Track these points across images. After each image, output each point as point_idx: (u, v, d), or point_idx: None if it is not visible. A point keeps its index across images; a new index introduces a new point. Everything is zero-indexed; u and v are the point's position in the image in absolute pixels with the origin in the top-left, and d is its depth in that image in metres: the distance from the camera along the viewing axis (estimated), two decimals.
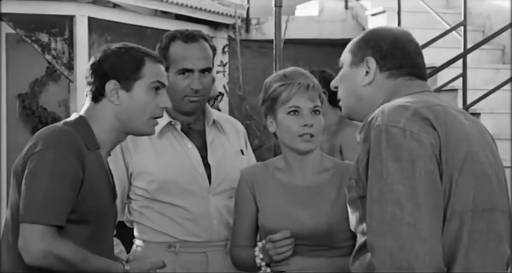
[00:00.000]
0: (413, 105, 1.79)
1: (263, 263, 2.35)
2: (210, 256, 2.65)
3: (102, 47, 2.29)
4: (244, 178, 2.49)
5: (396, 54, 1.94)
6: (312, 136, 2.38)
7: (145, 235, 2.68)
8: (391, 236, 1.69)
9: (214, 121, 2.76)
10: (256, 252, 2.36)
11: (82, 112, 2.26)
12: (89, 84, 2.24)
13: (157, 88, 2.24)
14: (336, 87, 2.06)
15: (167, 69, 2.64)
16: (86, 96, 2.27)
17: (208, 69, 2.68)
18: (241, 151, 2.81)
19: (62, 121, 2.24)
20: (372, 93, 1.95)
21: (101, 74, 2.21)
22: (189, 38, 2.67)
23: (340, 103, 2.05)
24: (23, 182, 2.09)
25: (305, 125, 2.37)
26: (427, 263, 1.67)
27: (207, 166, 2.70)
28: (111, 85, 2.20)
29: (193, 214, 2.63)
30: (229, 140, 2.78)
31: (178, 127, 2.69)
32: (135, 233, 2.74)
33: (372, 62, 1.95)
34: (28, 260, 2.06)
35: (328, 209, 2.35)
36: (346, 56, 2.02)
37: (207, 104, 2.79)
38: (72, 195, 2.10)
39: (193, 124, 2.74)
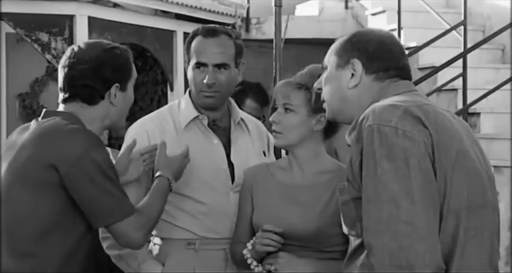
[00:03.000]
0: (403, 104, 1.80)
1: (248, 255, 2.37)
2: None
3: (87, 46, 2.26)
4: (246, 177, 2.52)
5: (383, 56, 1.95)
6: (278, 132, 2.39)
7: (165, 232, 2.68)
8: (389, 234, 1.69)
9: (241, 120, 2.79)
10: (245, 251, 2.39)
11: (68, 111, 2.25)
12: (84, 86, 2.23)
13: None
14: (319, 89, 2.07)
15: (188, 63, 2.71)
16: (69, 97, 2.25)
17: (224, 65, 2.67)
18: (264, 152, 2.83)
19: (64, 123, 2.20)
20: (358, 95, 1.95)
21: (102, 78, 2.22)
22: (209, 32, 2.69)
23: (324, 105, 2.05)
24: (80, 188, 2.13)
25: (272, 121, 2.40)
26: (426, 261, 1.67)
27: (229, 164, 2.71)
28: (115, 89, 2.25)
29: (214, 209, 2.64)
30: (252, 140, 2.80)
31: (205, 122, 2.71)
32: (153, 231, 2.73)
33: (358, 64, 1.95)
34: (138, 248, 2.30)
35: (318, 211, 2.34)
36: (331, 58, 2.02)
37: (232, 102, 2.81)
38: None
39: (218, 121, 2.76)
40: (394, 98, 1.86)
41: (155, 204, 2.32)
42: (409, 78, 1.99)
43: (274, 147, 2.87)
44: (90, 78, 2.22)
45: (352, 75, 1.96)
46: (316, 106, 2.33)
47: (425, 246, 1.68)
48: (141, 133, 2.58)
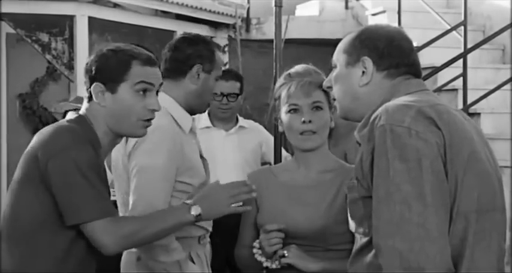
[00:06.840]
0: (416, 104, 1.78)
1: (263, 259, 2.36)
2: None
3: (99, 48, 2.33)
4: (249, 181, 2.50)
5: (393, 53, 1.93)
6: (313, 132, 2.37)
7: (185, 231, 2.66)
8: (400, 236, 1.67)
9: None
10: (255, 250, 2.38)
11: (81, 112, 2.28)
12: (84, 85, 2.28)
13: (145, 91, 2.25)
14: (329, 87, 2.06)
15: (209, 72, 2.72)
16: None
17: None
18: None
19: (66, 119, 2.26)
20: (369, 93, 1.93)
21: (89, 76, 2.25)
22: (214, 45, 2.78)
23: (335, 103, 2.04)
24: (55, 185, 2.12)
25: (303, 122, 2.36)
26: (437, 264, 1.66)
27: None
28: (96, 88, 2.23)
29: None
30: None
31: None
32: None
33: (368, 62, 1.93)
34: (109, 253, 2.16)
35: (323, 210, 2.34)
36: (340, 56, 2.00)
37: None
38: (105, 183, 2.20)
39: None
40: (406, 97, 1.84)
41: (150, 223, 2.22)
42: (418, 74, 1.97)
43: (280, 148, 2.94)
44: (84, 76, 2.28)
45: (363, 72, 1.93)
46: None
47: (436, 248, 1.66)
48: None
